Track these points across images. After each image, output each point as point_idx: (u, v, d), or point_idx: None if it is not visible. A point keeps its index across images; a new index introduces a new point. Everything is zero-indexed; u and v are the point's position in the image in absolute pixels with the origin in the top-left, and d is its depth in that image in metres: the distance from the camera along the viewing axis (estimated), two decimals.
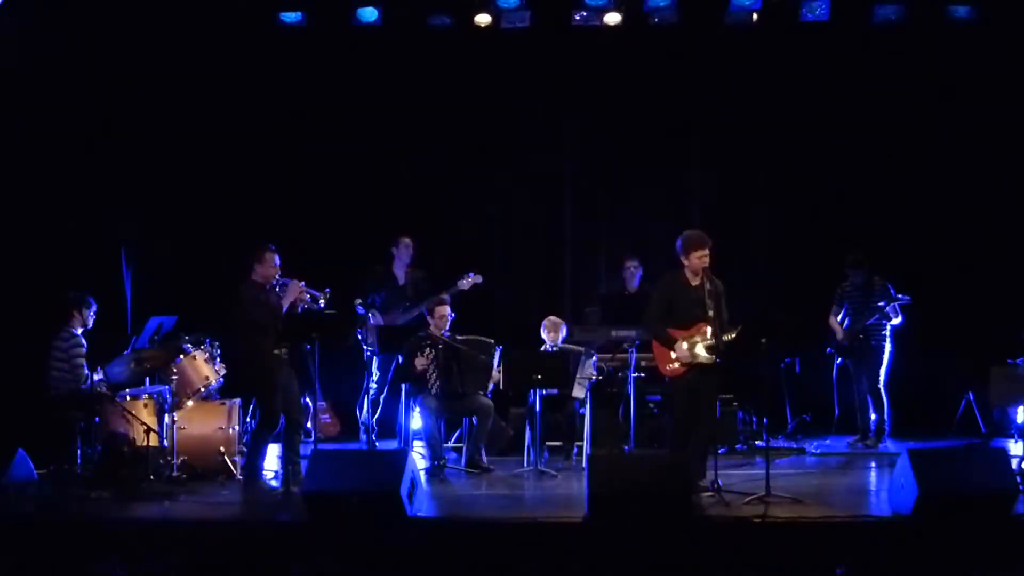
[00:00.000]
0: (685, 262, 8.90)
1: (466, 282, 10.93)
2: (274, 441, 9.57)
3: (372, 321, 11.14)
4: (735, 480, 8.96)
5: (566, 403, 10.40)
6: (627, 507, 7.71)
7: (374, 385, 11.21)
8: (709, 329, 8.72)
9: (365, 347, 11.23)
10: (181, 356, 10.11)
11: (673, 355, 8.82)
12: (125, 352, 10.35)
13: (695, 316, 8.81)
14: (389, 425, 11.20)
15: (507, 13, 11.79)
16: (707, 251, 8.84)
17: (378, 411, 11.19)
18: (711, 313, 8.73)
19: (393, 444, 10.92)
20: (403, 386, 10.57)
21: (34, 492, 9.22)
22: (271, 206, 11.94)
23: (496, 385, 10.26)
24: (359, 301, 10.91)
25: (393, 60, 12.04)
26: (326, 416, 11.67)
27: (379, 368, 11.18)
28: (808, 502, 8.37)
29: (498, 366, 10.21)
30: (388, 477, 7.89)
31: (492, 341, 10.30)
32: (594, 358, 10.48)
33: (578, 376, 10.26)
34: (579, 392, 10.29)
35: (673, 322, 8.88)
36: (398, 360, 10.82)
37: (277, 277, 9.40)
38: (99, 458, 9.54)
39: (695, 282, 8.89)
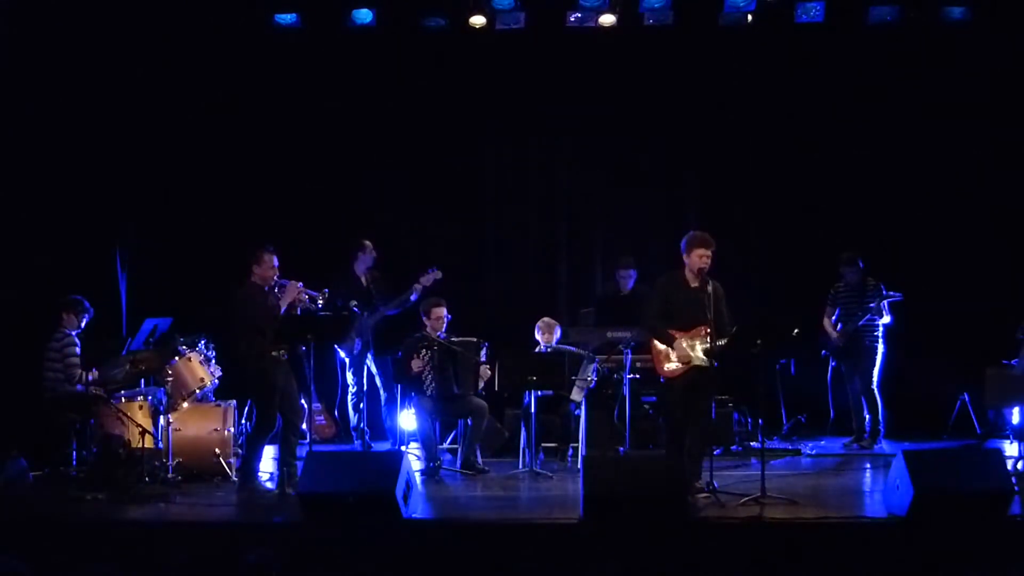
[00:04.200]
0: (686, 260, 8.87)
1: (427, 278, 10.95)
2: (270, 443, 9.56)
3: None
4: (730, 481, 8.95)
5: (561, 404, 10.41)
6: (622, 508, 7.71)
7: (352, 388, 11.21)
8: (707, 331, 8.71)
9: (339, 350, 11.23)
10: (176, 358, 10.12)
11: (672, 355, 8.82)
12: (120, 354, 10.35)
13: (694, 318, 8.77)
14: (378, 426, 11.22)
15: (502, 14, 11.79)
16: (709, 252, 8.81)
17: (362, 414, 11.17)
18: (710, 316, 8.71)
19: (386, 446, 10.93)
20: (396, 388, 10.60)
21: (29, 493, 9.23)
22: (267, 207, 11.92)
23: (486, 382, 10.26)
24: (355, 302, 10.90)
25: (387, 61, 12.03)
26: (321, 418, 11.68)
27: (354, 371, 11.18)
28: (803, 503, 8.37)
29: (484, 362, 10.22)
30: (383, 479, 7.89)
31: (475, 340, 10.29)
32: (595, 362, 10.47)
33: (577, 379, 10.25)
34: (577, 395, 10.28)
35: (672, 323, 8.87)
36: (369, 363, 10.88)
37: (275, 278, 9.39)
38: (94, 460, 9.51)
39: (694, 283, 8.87)
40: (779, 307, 11.12)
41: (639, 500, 7.73)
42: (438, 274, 10.96)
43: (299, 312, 9.38)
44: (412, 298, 10.89)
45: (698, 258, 8.81)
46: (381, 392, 11.24)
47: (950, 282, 11.67)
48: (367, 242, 11.33)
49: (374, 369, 11.21)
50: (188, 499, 9.00)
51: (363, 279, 11.29)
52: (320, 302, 9.54)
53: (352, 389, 11.23)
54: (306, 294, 9.43)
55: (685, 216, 12.09)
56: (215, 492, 9.35)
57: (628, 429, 10.13)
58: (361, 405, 11.19)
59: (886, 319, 11.10)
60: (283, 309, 9.26)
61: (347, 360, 11.19)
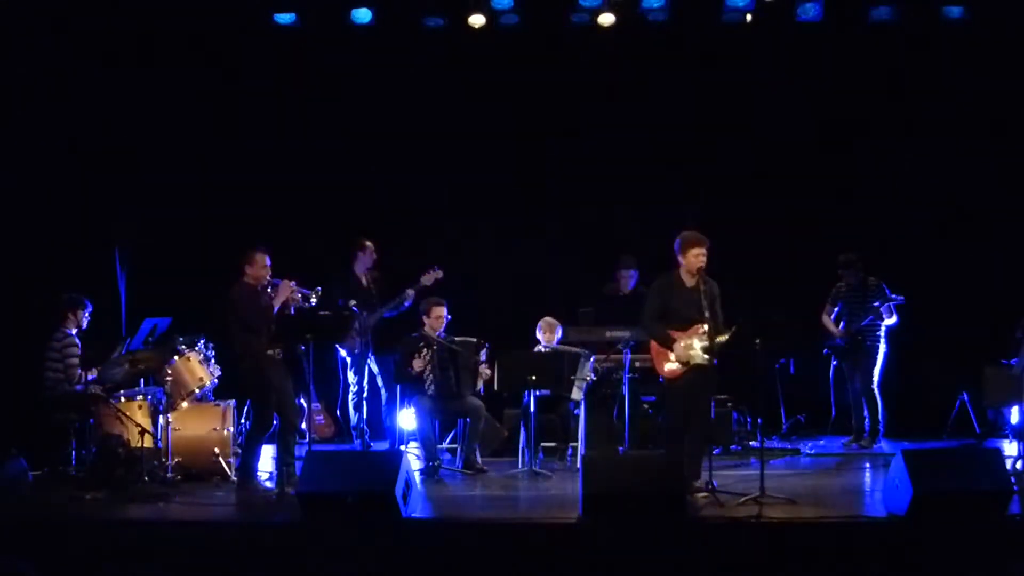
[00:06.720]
0: (682, 261, 8.87)
1: (428, 277, 10.94)
2: (268, 442, 9.57)
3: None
4: (730, 481, 8.94)
5: (560, 404, 10.41)
6: (621, 508, 7.71)
7: (353, 388, 11.21)
8: (705, 329, 8.71)
9: (340, 349, 11.23)
10: (175, 357, 10.13)
11: (671, 355, 8.81)
12: (120, 353, 10.35)
13: (692, 317, 8.77)
14: (378, 426, 11.22)
15: (501, 14, 11.79)
16: (704, 250, 8.81)
17: (362, 413, 11.17)
18: (706, 314, 8.72)
19: (385, 445, 10.93)
20: (396, 387, 10.60)
21: (28, 493, 9.23)
22: (264, 206, 11.91)
23: (486, 382, 10.25)
24: (354, 301, 10.90)
25: (386, 60, 12.03)
26: (320, 417, 11.68)
27: (355, 370, 11.18)
28: (803, 503, 8.37)
29: (483, 362, 10.21)
30: (383, 478, 7.89)
31: (475, 340, 10.29)
32: (592, 360, 10.47)
33: (576, 378, 10.25)
34: (577, 394, 10.27)
35: (670, 323, 8.86)
36: (370, 362, 10.89)
37: (268, 278, 9.39)
38: (93, 459, 9.51)
39: (691, 283, 8.86)
40: (779, 307, 11.09)
41: (638, 500, 7.73)
42: (439, 273, 10.95)
43: (292, 311, 9.38)
44: (411, 296, 10.84)
45: (694, 257, 8.80)
46: (383, 392, 11.23)
47: (950, 281, 11.66)
48: (368, 242, 11.32)
49: (375, 369, 11.20)
50: (187, 499, 8.99)
51: (363, 279, 11.28)
52: (313, 301, 9.54)
53: (353, 388, 11.23)
54: (299, 293, 9.44)
55: (686, 215, 12.04)
56: (214, 492, 9.35)
57: (627, 429, 10.12)
58: (362, 404, 11.19)
59: (890, 321, 11.10)
60: (276, 308, 9.25)
61: (348, 359, 11.18)
